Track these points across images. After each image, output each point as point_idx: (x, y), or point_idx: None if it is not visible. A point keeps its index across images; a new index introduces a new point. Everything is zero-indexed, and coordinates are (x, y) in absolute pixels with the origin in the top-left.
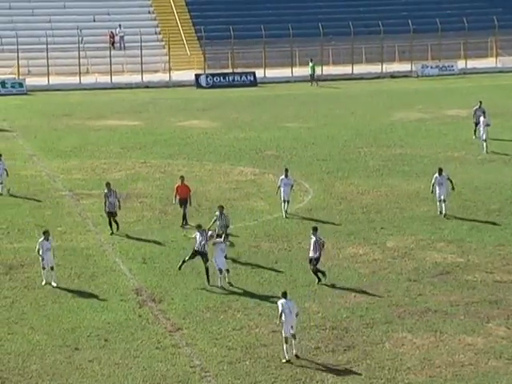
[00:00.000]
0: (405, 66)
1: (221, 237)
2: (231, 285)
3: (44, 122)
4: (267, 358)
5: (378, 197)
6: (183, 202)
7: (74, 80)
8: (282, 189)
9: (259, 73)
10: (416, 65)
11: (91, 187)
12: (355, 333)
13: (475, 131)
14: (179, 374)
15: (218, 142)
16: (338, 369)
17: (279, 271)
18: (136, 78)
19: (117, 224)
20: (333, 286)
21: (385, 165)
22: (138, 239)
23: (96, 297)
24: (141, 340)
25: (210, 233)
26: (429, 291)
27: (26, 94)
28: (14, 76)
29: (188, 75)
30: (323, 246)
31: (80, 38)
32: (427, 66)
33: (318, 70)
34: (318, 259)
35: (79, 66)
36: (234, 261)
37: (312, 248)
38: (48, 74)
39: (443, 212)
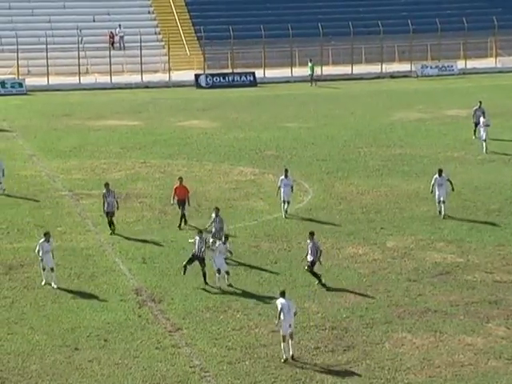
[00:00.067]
0: (404, 66)
1: (217, 238)
2: (231, 286)
3: (44, 122)
4: (267, 358)
5: (377, 197)
6: (181, 203)
7: (74, 80)
8: (281, 189)
9: (259, 73)
10: (416, 65)
11: (91, 187)
12: (355, 333)
13: (475, 131)
14: (179, 374)
15: (218, 142)
16: (338, 369)
17: (279, 271)
18: (136, 78)
19: (110, 227)
20: (327, 289)
21: (384, 165)
22: (137, 239)
23: (96, 297)
24: (140, 340)
25: (210, 241)
26: (428, 291)
27: (25, 94)
28: (13, 76)
29: (188, 75)
30: (321, 253)
31: (80, 38)
32: (427, 66)
33: (318, 71)
34: (313, 263)
35: (79, 66)
36: (234, 261)
37: (310, 252)
38: (48, 74)
39: (442, 213)
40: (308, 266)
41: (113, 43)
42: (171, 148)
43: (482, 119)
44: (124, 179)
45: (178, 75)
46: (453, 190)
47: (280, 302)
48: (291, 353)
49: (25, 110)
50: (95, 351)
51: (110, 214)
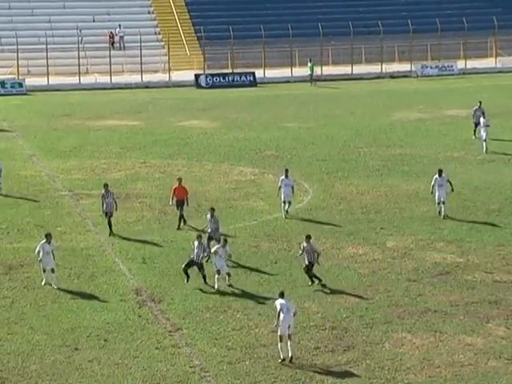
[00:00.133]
0: (404, 66)
1: (214, 239)
2: (231, 286)
3: (44, 122)
4: (267, 358)
5: (377, 197)
6: (180, 204)
7: (74, 80)
8: (282, 189)
9: (259, 73)
10: (416, 65)
11: (91, 187)
12: (355, 333)
13: (475, 131)
14: (179, 374)
15: (218, 142)
16: (338, 369)
17: (279, 271)
18: (136, 78)
19: (111, 225)
20: (324, 288)
21: (384, 165)
22: (137, 239)
23: (96, 297)
24: (140, 340)
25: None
26: (428, 291)
27: (25, 94)
28: (13, 76)
29: (188, 75)
30: (318, 255)
31: (80, 38)
32: (427, 66)
33: (318, 71)
34: (311, 265)
35: (79, 66)
36: (234, 262)
37: (306, 254)
38: (48, 74)
39: (442, 214)
40: (306, 266)
41: (113, 43)
42: (171, 148)
43: (482, 119)
44: (124, 179)
45: (178, 75)
46: (452, 190)
47: (279, 302)
48: (290, 354)
49: (25, 110)
50: (95, 351)
51: (108, 215)
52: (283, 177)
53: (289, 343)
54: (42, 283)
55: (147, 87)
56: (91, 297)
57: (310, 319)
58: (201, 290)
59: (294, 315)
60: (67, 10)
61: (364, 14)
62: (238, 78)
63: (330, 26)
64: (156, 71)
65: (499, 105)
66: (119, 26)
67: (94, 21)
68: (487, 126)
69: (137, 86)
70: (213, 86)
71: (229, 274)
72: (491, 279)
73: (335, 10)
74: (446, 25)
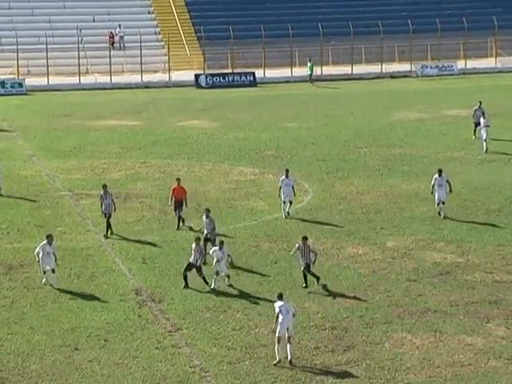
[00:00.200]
0: (404, 66)
1: (210, 241)
2: (231, 286)
3: (44, 122)
4: (267, 358)
5: (377, 197)
6: (179, 204)
7: (74, 80)
8: (282, 189)
9: (259, 73)
10: (416, 65)
11: (91, 187)
12: (355, 333)
13: (475, 131)
14: (179, 374)
15: (218, 142)
16: (338, 369)
17: (279, 271)
18: (136, 78)
19: (110, 228)
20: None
21: (384, 165)
22: (137, 239)
23: (96, 297)
24: (140, 340)
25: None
26: (428, 291)
27: (25, 94)
28: (13, 76)
29: (188, 75)
30: (315, 257)
31: (80, 38)
32: (427, 66)
33: (318, 71)
34: (309, 265)
35: (79, 66)
36: (233, 264)
37: (301, 256)
38: (48, 74)
39: (442, 214)
40: (304, 269)
41: (113, 43)
42: (171, 148)
43: (482, 120)
44: (124, 179)
45: (178, 75)
46: (450, 191)
47: (277, 304)
48: (289, 357)
49: (25, 110)
50: (95, 351)
51: (107, 216)
52: (283, 177)
53: (288, 346)
54: (43, 281)
55: (147, 87)
56: (91, 297)
57: (310, 319)
58: (201, 289)
59: (294, 316)
60: (67, 10)
61: (364, 14)
62: (238, 78)
63: (330, 26)
64: (156, 71)
65: (499, 105)
66: (119, 25)
67: (94, 21)
68: (487, 126)
69: (137, 86)
70: (213, 86)
71: (228, 276)
72: (491, 279)
73: (335, 10)
74: (446, 25)
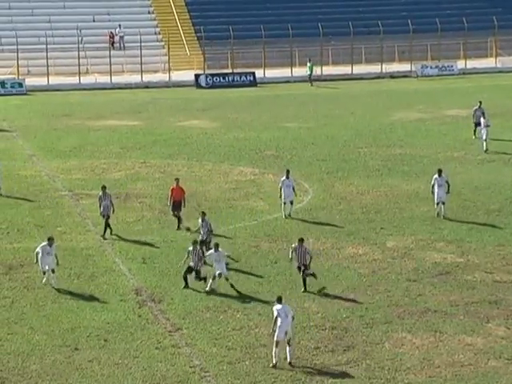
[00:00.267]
0: (404, 66)
1: (205, 244)
2: (233, 286)
3: (44, 122)
4: (267, 358)
5: (377, 197)
6: (177, 204)
7: (74, 80)
8: (283, 190)
9: (259, 73)
10: (416, 65)
11: (91, 187)
12: (355, 333)
13: (475, 131)
14: (179, 374)
15: (218, 142)
16: (338, 369)
17: (279, 271)
18: (136, 78)
19: (110, 228)
20: (316, 294)
21: (384, 165)
22: (137, 239)
23: (96, 297)
24: (140, 340)
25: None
26: (428, 291)
27: (25, 94)
28: (13, 76)
29: (188, 75)
30: (310, 259)
31: (80, 38)
32: (427, 66)
33: (318, 71)
34: (306, 266)
35: (79, 66)
36: (234, 259)
37: (297, 257)
38: (48, 74)
39: (441, 214)
40: (304, 272)
41: (113, 43)
42: (171, 148)
43: (482, 120)
44: (124, 179)
45: (178, 75)
46: (448, 192)
47: (276, 308)
48: (289, 359)
49: (25, 110)
50: (95, 351)
51: (105, 217)
52: (284, 178)
53: (287, 348)
54: (43, 281)
55: (147, 87)
56: (91, 297)
57: (310, 319)
58: (200, 290)
59: (293, 319)
60: (67, 10)
61: (364, 14)
62: (238, 78)
63: (330, 26)
64: (156, 71)
65: (499, 105)
66: (119, 25)
67: (94, 21)
68: (487, 126)
69: (137, 86)
70: (213, 86)
71: (227, 279)
72: (491, 279)
73: (335, 10)
74: (446, 25)
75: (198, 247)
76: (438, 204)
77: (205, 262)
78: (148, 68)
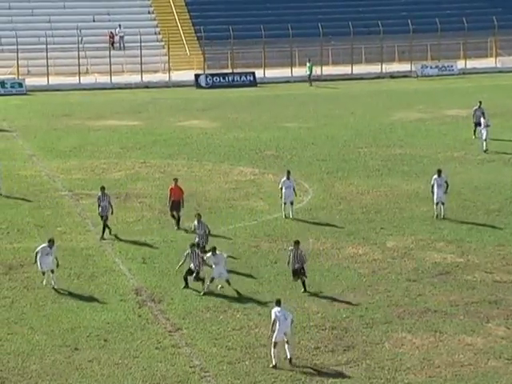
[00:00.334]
0: (404, 66)
1: (201, 246)
2: (237, 292)
3: (44, 122)
4: (267, 358)
5: (377, 197)
6: (176, 204)
7: (74, 80)
8: (283, 191)
9: (259, 73)
10: (416, 65)
11: (91, 187)
12: (355, 333)
13: (475, 131)
14: (179, 374)
15: (218, 142)
16: (338, 369)
17: (279, 271)
18: (136, 78)
19: (109, 228)
20: (316, 295)
21: (384, 165)
22: (137, 239)
23: (96, 297)
24: (140, 340)
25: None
26: (428, 291)
27: (25, 94)
28: (13, 76)
29: (188, 75)
30: (305, 260)
31: (80, 38)
32: (427, 66)
33: (318, 71)
34: (303, 269)
35: (79, 66)
36: (234, 258)
37: (292, 261)
38: (48, 74)
39: (441, 214)
40: (302, 275)
41: (113, 43)
42: (171, 148)
43: (482, 120)
44: (124, 179)
45: (178, 75)
46: (445, 192)
47: (275, 311)
48: (289, 356)
49: (25, 110)
50: (95, 351)
51: (103, 218)
52: (285, 178)
53: (286, 346)
54: (44, 282)
55: (147, 87)
56: (91, 297)
57: (310, 319)
58: (200, 290)
59: (292, 323)
60: (67, 10)
61: (364, 14)
62: (238, 78)
63: (330, 26)
64: (156, 71)
65: (499, 105)
66: (119, 25)
67: (94, 21)
68: (487, 125)
69: (137, 86)
70: (213, 86)
71: (228, 281)
72: (491, 279)
73: (335, 10)
74: (446, 25)
75: (197, 250)
76: (437, 204)
77: (204, 264)
78: (148, 68)
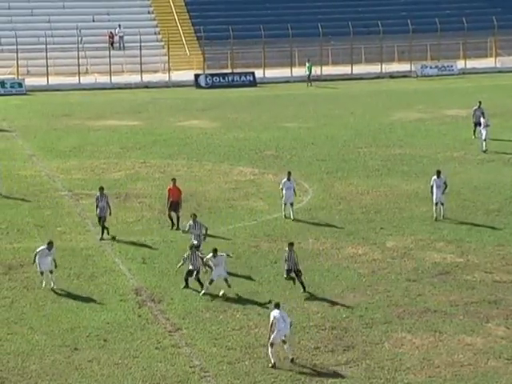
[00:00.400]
0: (404, 66)
1: (198, 247)
2: (238, 294)
3: (43, 122)
4: (266, 358)
5: (377, 197)
6: (175, 205)
7: (74, 80)
8: (284, 192)
9: (258, 73)
10: (415, 65)
11: (91, 187)
12: (355, 333)
13: (474, 131)
14: (179, 373)
15: (218, 142)
16: (338, 369)
17: (279, 271)
18: (135, 78)
19: (106, 229)
20: (311, 296)
21: (384, 165)
22: (137, 239)
23: (95, 297)
24: (140, 340)
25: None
26: (428, 291)
27: (25, 94)
28: (13, 76)
29: (187, 75)
30: (298, 263)
31: (79, 38)
32: (426, 66)
33: (317, 71)
34: (289, 271)
35: (78, 66)
36: (230, 256)
37: (288, 262)
38: (47, 74)
39: (441, 215)
40: (296, 274)
41: (112, 43)
42: (171, 148)
43: (482, 120)
44: (124, 179)
45: (178, 75)
46: (443, 193)
47: (273, 313)
48: (290, 357)
49: (24, 110)
50: (95, 351)
51: (101, 219)
52: (285, 179)
53: (285, 346)
54: (42, 285)
55: (147, 87)
56: (91, 297)
57: (310, 319)
58: (200, 290)
59: (290, 326)
60: (67, 10)
61: (363, 14)
62: (238, 78)
63: (330, 26)
64: (156, 71)
65: (499, 105)
66: (119, 25)
67: (93, 21)
68: (487, 125)
69: (136, 86)
70: (212, 86)
71: (226, 280)
72: (491, 279)
73: (335, 10)
74: (446, 25)
75: (197, 252)
76: (436, 205)
77: (205, 265)
78: (148, 68)
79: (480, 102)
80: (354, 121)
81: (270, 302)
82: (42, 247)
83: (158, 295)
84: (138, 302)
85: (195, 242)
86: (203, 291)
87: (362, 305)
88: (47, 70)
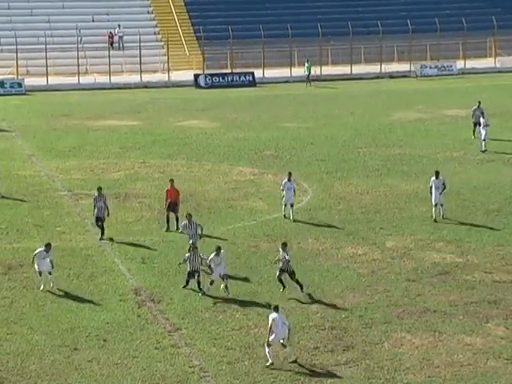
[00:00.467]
0: (404, 66)
1: (195, 248)
2: (226, 287)
3: (43, 122)
4: (266, 358)
5: (377, 197)
6: (173, 206)
7: (73, 80)
8: (284, 192)
9: (258, 73)
10: (415, 65)
11: (90, 187)
12: (354, 333)
13: (474, 131)
14: (178, 373)
15: (217, 142)
16: (338, 369)
17: None
18: (135, 78)
19: (103, 229)
20: (309, 297)
21: (384, 165)
22: (137, 239)
23: (95, 297)
24: (140, 340)
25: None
26: (428, 291)
27: (24, 94)
28: (12, 76)
29: (187, 75)
30: (288, 262)
31: (79, 38)
32: (426, 66)
33: (317, 71)
34: (282, 271)
35: (78, 66)
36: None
37: (282, 262)
38: (47, 74)
39: (440, 216)
40: (289, 275)
41: (112, 43)
42: (170, 148)
43: (482, 120)
44: (123, 179)
45: (178, 75)
46: (440, 193)
47: (272, 316)
48: (293, 358)
49: (24, 110)
50: (94, 351)
51: (99, 220)
52: (286, 180)
53: (286, 350)
54: (41, 287)
55: (146, 87)
56: (90, 297)
57: (310, 319)
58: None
59: (289, 331)
60: (66, 10)
61: (363, 14)
62: (238, 78)
63: (330, 26)
64: (155, 71)
65: (499, 105)
66: (118, 26)
67: (93, 21)
68: (487, 125)
69: (136, 86)
70: (212, 86)
71: (225, 277)
72: (491, 279)
73: (334, 10)
74: (446, 25)
75: (197, 252)
76: (435, 206)
77: (205, 265)
78: (147, 68)
79: (479, 102)
80: (354, 121)
81: (269, 306)
82: (39, 249)
83: (157, 295)
84: (137, 302)
85: (190, 242)
86: (204, 291)
87: (361, 305)
88: (47, 70)
